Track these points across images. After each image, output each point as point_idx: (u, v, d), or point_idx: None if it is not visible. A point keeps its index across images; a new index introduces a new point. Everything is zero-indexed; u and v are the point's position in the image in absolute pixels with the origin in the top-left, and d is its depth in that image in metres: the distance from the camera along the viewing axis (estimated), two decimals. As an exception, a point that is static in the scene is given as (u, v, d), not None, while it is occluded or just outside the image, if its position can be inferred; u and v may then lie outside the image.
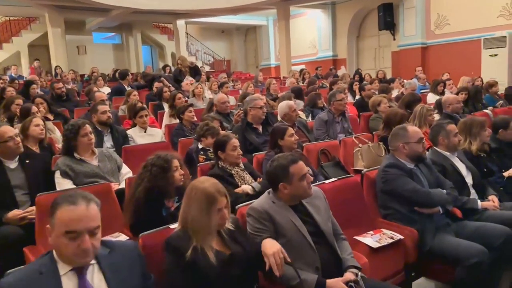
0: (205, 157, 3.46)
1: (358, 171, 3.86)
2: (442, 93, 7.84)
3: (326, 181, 2.72)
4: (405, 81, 8.66)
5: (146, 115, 4.33)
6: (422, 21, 11.78)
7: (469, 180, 3.15)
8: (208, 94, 7.54)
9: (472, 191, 3.13)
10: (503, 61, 9.88)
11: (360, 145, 4.14)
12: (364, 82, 7.38)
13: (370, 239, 2.49)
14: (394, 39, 12.77)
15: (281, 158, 2.19)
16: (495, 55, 10.00)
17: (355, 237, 2.53)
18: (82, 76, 11.82)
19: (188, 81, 7.50)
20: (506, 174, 3.37)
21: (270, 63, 17.30)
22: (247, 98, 4.28)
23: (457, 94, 6.89)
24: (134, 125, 4.38)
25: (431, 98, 7.48)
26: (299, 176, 2.12)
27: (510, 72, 9.93)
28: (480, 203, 3.00)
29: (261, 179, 3.08)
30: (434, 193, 2.67)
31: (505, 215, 2.84)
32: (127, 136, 4.19)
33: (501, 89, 8.22)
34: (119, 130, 4.16)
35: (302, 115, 5.90)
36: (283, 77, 12.15)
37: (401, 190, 2.68)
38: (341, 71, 13.68)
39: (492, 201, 3.04)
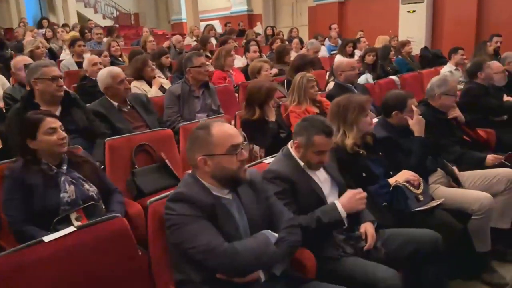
0: None
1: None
2: (352, 55, 6.82)
3: (46, 238, 1.39)
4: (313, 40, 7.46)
5: None
6: (339, -29, 10.60)
7: (332, 200, 2.01)
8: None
9: (338, 217, 2.01)
10: (421, 18, 9.05)
11: (206, 134, 2.88)
12: (252, 43, 6.01)
13: None
14: (312, -7, 11.53)
15: None
16: (413, 11, 9.12)
17: None
18: None
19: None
20: (392, 180, 2.29)
21: (181, 17, 15.30)
22: (32, 64, 2.80)
23: (363, 55, 5.87)
24: None
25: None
26: None
27: (428, 30, 9.14)
28: (340, 207, 1.89)
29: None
30: (247, 248, 1.47)
31: (377, 271, 1.74)
32: None
33: (417, 49, 7.38)
34: None
35: (166, 84, 4.53)
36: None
37: (188, 246, 1.45)
38: (257, 29, 12.32)
39: (364, 233, 1.95)
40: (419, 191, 2.26)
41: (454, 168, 2.73)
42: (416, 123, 2.56)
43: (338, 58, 6.63)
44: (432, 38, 9.12)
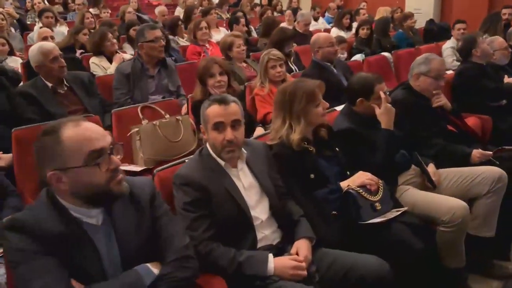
0: None
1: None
2: (349, 28, 6.29)
3: None
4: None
5: None
6: None
7: (259, 212, 1.63)
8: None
9: (265, 232, 1.64)
10: (431, -12, 8.32)
11: (144, 121, 2.51)
12: (239, 14, 5.49)
13: None
14: (316, -40, 10.78)
15: None
16: (421, -21, 8.39)
17: None
18: None
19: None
20: (344, 184, 1.88)
21: (182, -13, 14.66)
22: None
23: (357, 28, 5.36)
24: None
25: (335, 34, 5.82)
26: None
27: (437, 2, 8.41)
28: (271, 265, 1.52)
29: None
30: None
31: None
32: None
33: (422, 22, 6.77)
34: None
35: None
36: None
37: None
38: (257, -1, 11.70)
39: (295, 256, 1.57)
40: (376, 198, 1.85)
41: (431, 165, 2.31)
42: (384, 113, 2.13)
43: (334, 31, 6.12)
44: (441, 11, 8.42)
